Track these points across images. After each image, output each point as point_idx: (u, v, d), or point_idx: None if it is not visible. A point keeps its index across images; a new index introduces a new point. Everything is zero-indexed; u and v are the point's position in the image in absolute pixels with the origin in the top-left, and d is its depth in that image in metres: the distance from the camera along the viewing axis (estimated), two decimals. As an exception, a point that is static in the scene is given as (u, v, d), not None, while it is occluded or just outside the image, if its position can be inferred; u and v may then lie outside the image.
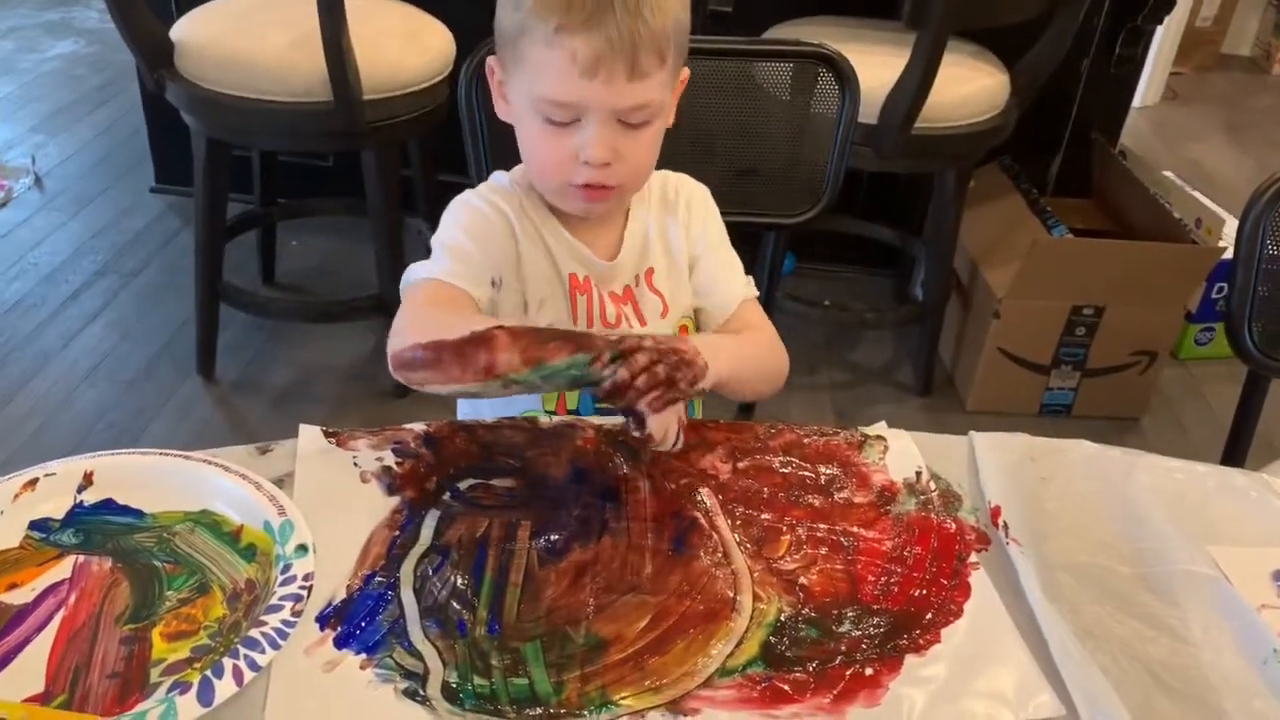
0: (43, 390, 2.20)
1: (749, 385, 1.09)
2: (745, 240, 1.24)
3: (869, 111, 1.94)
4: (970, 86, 2.05)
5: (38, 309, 2.44)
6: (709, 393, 1.17)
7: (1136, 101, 3.26)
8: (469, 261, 1.01)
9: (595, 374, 0.83)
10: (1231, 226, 2.52)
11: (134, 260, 2.65)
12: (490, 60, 1.03)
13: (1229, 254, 2.23)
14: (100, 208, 2.87)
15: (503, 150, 1.28)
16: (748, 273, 1.16)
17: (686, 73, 1.03)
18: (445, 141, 1.72)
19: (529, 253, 1.06)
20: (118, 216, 2.83)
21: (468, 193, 1.08)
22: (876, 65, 1.91)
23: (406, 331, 0.90)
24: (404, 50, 1.96)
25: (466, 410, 1.16)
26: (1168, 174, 2.70)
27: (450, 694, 0.72)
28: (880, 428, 1.02)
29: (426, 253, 1.02)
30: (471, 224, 1.04)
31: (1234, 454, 1.38)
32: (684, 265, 1.13)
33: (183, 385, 2.24)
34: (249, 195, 2.45)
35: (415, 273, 1.01)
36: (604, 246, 1.09)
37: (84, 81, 3.59)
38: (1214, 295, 2.52)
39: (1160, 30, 2.91)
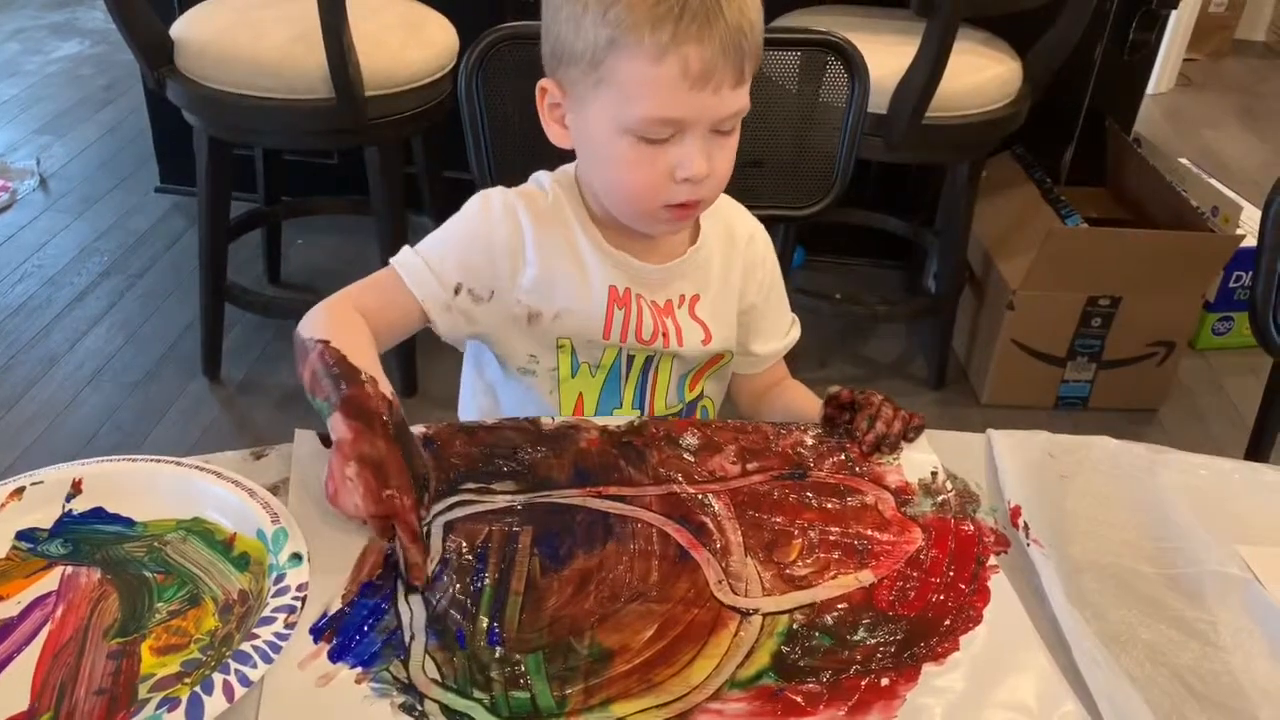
0: (48, 393, 2.18)
1: None
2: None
3: (879, 101, 1.90)
4: (982, 75, 2.01)
5: (43, 311, 2.43)
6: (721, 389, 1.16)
7: (1150, 88, 3.20)
8: (440, 267, 1.00)
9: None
10: (1249, 214, 2.48)
11: (139, 261, 2.63)
12: (544, 83, 0.98)
13: (1247, 242, 2.22)
14: (105, 209, 2.85)
15: (504, 146, 1.26)
16: None
17: None
18: (450, 137, 1.69)
19: (546, 265, 1.01)
20: (123, 217, 2.81)
21: (494, 190, 1.04)
22: (886, 53, 1.87)
23: (328, 313, 0.97)
24: (406, 45, 1.94)
25: (472, 413, 1.13)
26: (1183, 161, 2.66)
27: (448, 710, 0.69)
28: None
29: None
30: (469, 230, 1.02)
31: (1258, 448, 1.34)
32: (734, 303, 1.10)
33: (188, 386, 2.23)
34: (254, 194, 2.42)
35: (402, 253, 1.02)
36: (656, 253, 1.05)
37: (89, 82, 3.58)
38: (1232, 284, 2.48)
39: (1174, 16, 2.87)
